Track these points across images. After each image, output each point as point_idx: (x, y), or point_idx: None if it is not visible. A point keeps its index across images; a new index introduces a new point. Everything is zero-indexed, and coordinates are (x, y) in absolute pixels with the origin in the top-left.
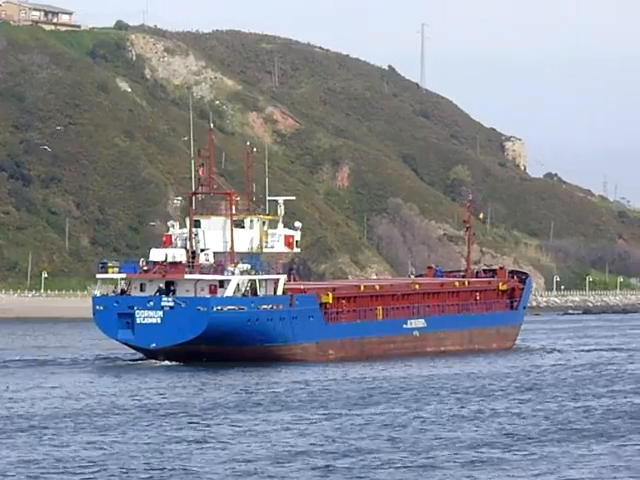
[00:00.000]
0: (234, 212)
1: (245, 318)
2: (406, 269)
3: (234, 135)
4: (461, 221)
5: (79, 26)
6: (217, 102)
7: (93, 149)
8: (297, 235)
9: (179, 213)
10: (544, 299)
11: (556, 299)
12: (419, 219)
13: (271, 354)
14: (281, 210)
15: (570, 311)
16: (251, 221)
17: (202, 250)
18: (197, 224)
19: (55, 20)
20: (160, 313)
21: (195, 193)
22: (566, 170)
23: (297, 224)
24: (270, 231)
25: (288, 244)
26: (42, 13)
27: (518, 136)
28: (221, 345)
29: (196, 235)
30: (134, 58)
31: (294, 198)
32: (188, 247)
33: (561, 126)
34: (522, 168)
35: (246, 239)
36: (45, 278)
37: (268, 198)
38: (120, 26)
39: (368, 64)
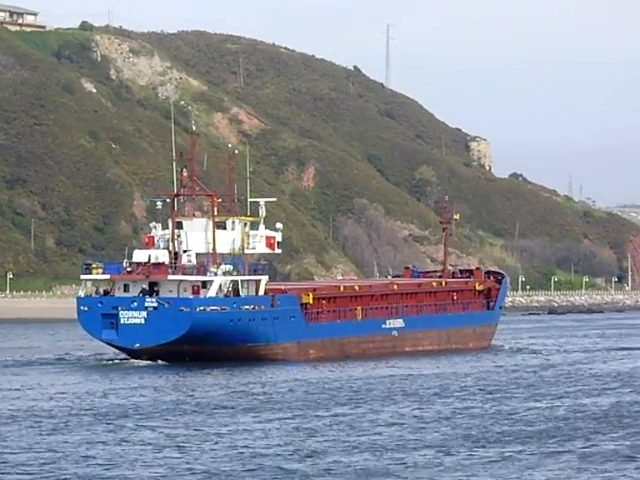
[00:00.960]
0: (215, 213)
1: (228, 318)
2: (372, 269)
3: (199, 136)
4: (426, 221)
5: (44, 27)
6: (182, 102)
7: (58, 150)
8: (278, 236)
9: (145, 214)
10: (509, 299)
11: (521, 299)
12: (385, 219)
13: (253, 354)
14: (262, 211)
15: (535, 311)
16: (233, 222)
17: (185, 251)
18: (179, 225)
19: (20, 21)
20: (144, 313)
21: (177, 195)
22: (531, 170)
23: (278, 225)
24: (251, 232)
25: (269, 245)
26: (7, 14)
27: (483, 136)
28: (204, 345)
29: (179, 236)
30: (99, 59)
31: (275, 199)
32: (170, 248)
33: (526, 126)
34: (487, 168)
35: (228, 240)
36: (10, 279)
37: (249, 200)
38: (85, 27)
39: (333, 64)
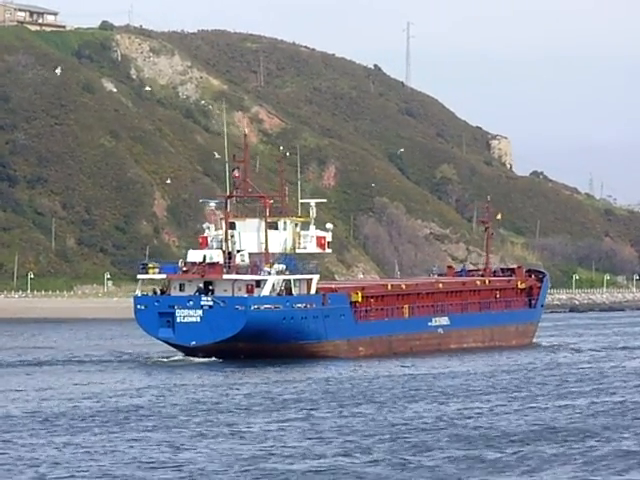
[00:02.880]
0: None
1: (281, 316)
2: (393, 268)
3: (220, 135)
4: (447, 220)
5: (64, 26)
6: (203, 102)
7: (79, 149)
8: (329, 236)
9: (165, 214)
10: None
11: None
12: (405, 218)
13: (305, 351)
14: (313, 212)
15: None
16: (284, 223)
17: (238, 251)
18: (232, 226)
19: (40, 20)
20: (200, 312)
21: (230, 196)
22: (552, 168)
23: (329, 225)
24: (302, 232)
25: (320, 245)
26: (27, 14)
27: (504, 134)
28: (258, 342)
29: (232, 237)
30: (119, 58)
31: (325, 200)
32: (224, 248)
33: (547, 124)
34: (508, 166)
35: (280, 240)
36: (31, 279)
37: (300, 201)
38: (105, 26)
39: (354, 63)
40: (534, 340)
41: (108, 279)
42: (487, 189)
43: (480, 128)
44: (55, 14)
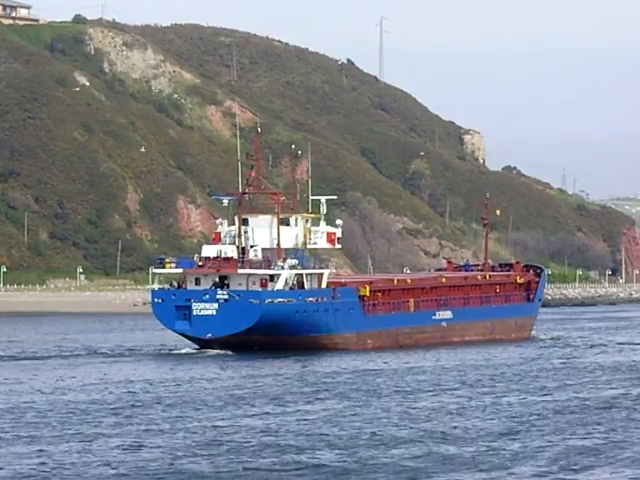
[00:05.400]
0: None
1: (294, 310)
2: (366, 263)
3: (193, 129)
4: (420, 214)
5: (37, 20)
6: (176, 96)
7: (52, 143)
8: (338, 232)
9: (138, 207)
10: None
11: None
12: (378, 213)
13: (316, 343)
14: (323, 208)
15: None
16: (296, 219)
17: (251, 246)
18: (245, 222)
19: (13, 14)
20: (215, 305)
21: (244, 193)
22: (525, 163)
23: (338, 222)
24: (313, 228)
25: (330, 240)
26: (0, 7)
27: (477, 129)
28: (271, 335)
29: (245, 232)
30: (92, 52)
31: (335, 197)
32: (238, 243)
33: (520, 119)
34: (481, 161)
35: (291, 236)
36: (4, 272)
37: (311, 197)
38: (78, 20)
39: (327, 57)
40: (532, 333)
41: (81, 273)
42: (460, 184)
43: (453, 123)
44: (28, 8)
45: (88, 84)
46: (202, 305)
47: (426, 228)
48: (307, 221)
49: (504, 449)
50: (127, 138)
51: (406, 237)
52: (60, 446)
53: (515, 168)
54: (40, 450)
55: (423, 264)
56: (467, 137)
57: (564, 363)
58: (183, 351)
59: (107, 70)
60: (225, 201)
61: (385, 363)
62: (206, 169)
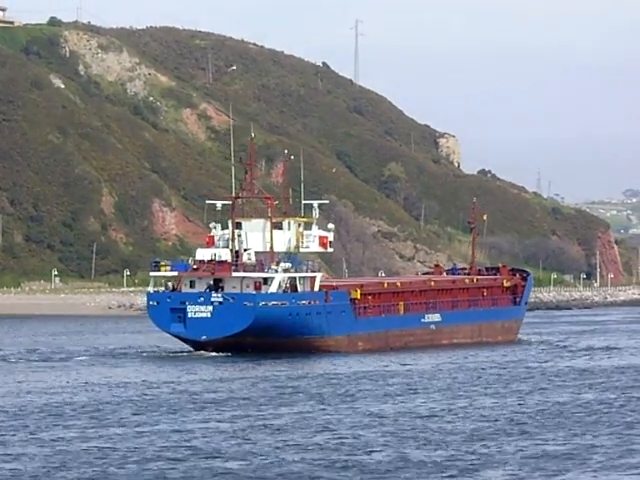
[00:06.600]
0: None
1: (287, 312)
2: (341, 266)
3: (168, 131)
4: (395, 218)
5: (12, 22)
6: (151, 98)
7: (27, 145)
8: (330, 236)
9: (113, 210)
10: None
11: None
12: (353, 216)
13: (308, 346)
14: (316, 213)
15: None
16: (288, 223)
17: (245, 250)
18: (238, 226)
19: None
20: (210, 308)
21: (237, 197)
22: (500, 167)
23: (330, 226)
24: (305, 232)
25: (322, 244)
26: None
27: (452, 133)
28: (265, 337)
29: (239, 236)
30: (68, 54)
31: (328, 202)
32: (231, 247)
33: (495, 123)
34: (456, 165)
35: (284, 240)
36: None
37: (303, 202)
38: (54, 22)
39: (302, 60)
40: (518, 336)
41: (55, 275)
42: (435, 187)
43: (428, 126)
44: (3, 10)
45: (63, 86)
46: (197, 308)
47: (401, 231)
48: (299, 225)
49: (473, 453)
50: (102, 141)
51: (381, 240)
52: (26, 448)
53: (490, 172)
54: None
55: (398, 267)
56: (442, 140)
57: (544, 367)
58: (145, 354)
59: (82, 73)
60: (219, 205)
61: (348, 368)
62: (181, 172)
